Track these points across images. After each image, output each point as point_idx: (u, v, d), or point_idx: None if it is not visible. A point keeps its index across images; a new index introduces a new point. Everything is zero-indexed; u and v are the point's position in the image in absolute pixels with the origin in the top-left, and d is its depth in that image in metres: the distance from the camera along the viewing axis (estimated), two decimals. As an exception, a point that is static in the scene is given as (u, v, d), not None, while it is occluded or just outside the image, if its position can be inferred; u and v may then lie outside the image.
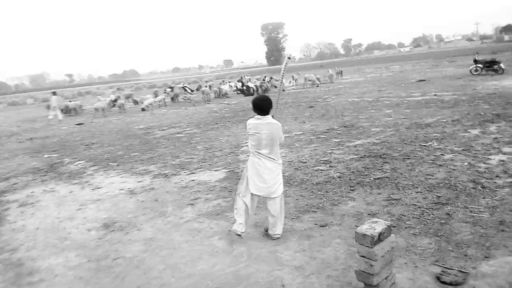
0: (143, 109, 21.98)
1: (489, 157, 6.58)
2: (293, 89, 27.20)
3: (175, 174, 7.68)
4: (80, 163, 9.70)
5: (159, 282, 3.81)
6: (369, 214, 4.80)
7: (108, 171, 8.54)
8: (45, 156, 11.18)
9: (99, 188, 7.33)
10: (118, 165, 9.05)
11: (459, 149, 7.24)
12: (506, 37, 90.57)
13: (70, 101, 27.13)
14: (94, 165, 9.28)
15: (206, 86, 26.30)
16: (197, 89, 29.72)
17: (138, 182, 7.43)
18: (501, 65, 20.85)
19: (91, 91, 58.57)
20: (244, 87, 25.97)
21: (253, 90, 24.90)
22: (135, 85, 67.60)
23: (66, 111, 24.98)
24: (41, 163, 10.20)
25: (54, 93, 22.53)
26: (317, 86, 26.45)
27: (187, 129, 13.30)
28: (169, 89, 34.68)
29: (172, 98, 26.41)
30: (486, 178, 5.60)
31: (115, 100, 24.57)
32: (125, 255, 4.45)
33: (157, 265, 4.16)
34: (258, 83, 26.29)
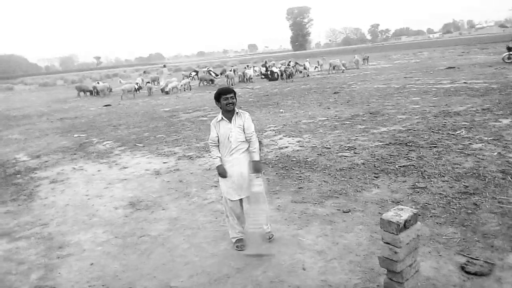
0: (166, 93, 22.18)
1: (520, 147, 6.36)
2: (318, 74, 26.86)
3: (199, 157, 7.78)
4: (107, 143, 9.94)
5: (183, 260, 3.92)
6: (393, 202, 4.76)
7: (135, 152, 8.73)
8: (75, 135, 11.51)
9: (125, 167, 7.52)
10: (144, 146, 9.23)
11: (489, 138, 7.02)
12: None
13: (98, 82, 27.62)
14: (121, 146, 9.50)
15: (230, 70, 26.29)
16: (221, 73, 29.76)
17: (164, 163, 7.57)
18: (538, 52, 19.93)
19: (118, 73, 59.48)
20: (269, 72, 25.83)
21: (277, 75, 24.74)
22: (160, 68, 68.21)
23: (95, 92, 25.56)
24: (70, 142, 10.51)
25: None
26: (342, 71, 26.02)
27: (211, 112, 13.38)
28: (193, 73, 34.87)
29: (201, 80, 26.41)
30: (517, 169, 5.43)
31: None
32: (151, 233, 4.58)
33: (181, 244, 4.26)
34: (282, 68, 26.08)
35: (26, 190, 6.67)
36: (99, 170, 7.52)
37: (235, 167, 3.95)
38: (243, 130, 3.96)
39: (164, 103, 18.07)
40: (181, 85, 23.36)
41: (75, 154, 9.12)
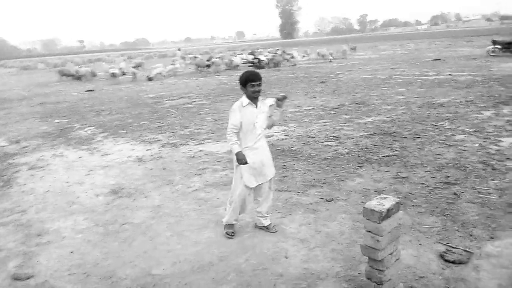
0: (151, 79, 21.79)
1: (500, 139, 6.47)
2: (305, 63, 26.81)
3: (184, 144, 7.70)
4: (89, 129, 9.76)
5: (166, 248, 3.88)
6: (376, 191, 4.79)
7: (117, 138, 8.59)
8: (56, 121, 11.26)
9: (108, 154, 7.39)
10: (127, 132, 9.09)
11: (471, 130, 7.12)
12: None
13: (80, 67, 27.04)
14: (103, 132, 9.34)
15: (217, 58, 26.03)
16: (208, 60, 29.46)
17: (147, 150, 7.47)
18: (521, 46, 20.25)
19: (102, 58, 58.33)
20: (256, 60, 25.65)
21: (265, 63, 24.60)
22: (145, 53, 67.08)
23: (77, 77, 25.01)
24: (51, 128, 10.29)
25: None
26: (330, 61, 26.03)
27: (196, 99, 13.25)
28: (181, 59, 34.37)
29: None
30: (497, 160, 5.53)
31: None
32: (133, 221, 4.52)
33: (164, 231, 4.22)
34: (270, 56, 25.93)
35: (4, 176, 6.51)
36: (80, 157, 7.38)
37: (258, 155, 3.81)
38: (268, 116, 3.89)
39: (148, 89, 17.81)
40: (166, 71, 23.03)
41: (55, 140, 8.93)
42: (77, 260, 3.77)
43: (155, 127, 9.49)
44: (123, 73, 24.18)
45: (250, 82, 3.69)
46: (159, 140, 8.18)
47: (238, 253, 3.69)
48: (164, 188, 5.47)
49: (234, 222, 4.08)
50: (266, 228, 4.09)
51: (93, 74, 25.58)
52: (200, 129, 8.94)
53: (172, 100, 13.77)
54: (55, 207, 5.09)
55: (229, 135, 3.78)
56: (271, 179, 3.98)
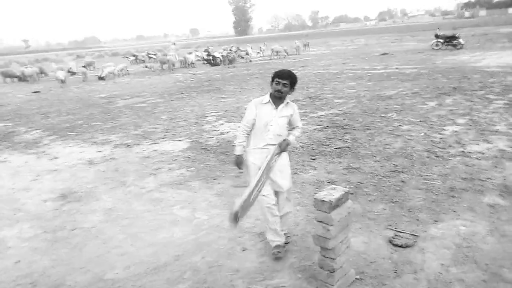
0: (101, 78, 21.01)
1: (444, 128, 6.85)
2: (260, 60, 26.96)
3: (137, 144, 7.52)
4: (36, 132, 9.28)
5: (119, 251, 3.78)
6: (328, 182, 4.92)
7: (67, 141, 8.23)
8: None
9: (56, 158, 7.07)
10: (77, 134, 8.73)
11: (417, 120, 7.48)
12: (467, 13, 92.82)
13: (26, 67, 25.57)
14: (51, 135, 8.91)
15: (171, 55, 25.57)
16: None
17: (98, 152, 7.22)
18: (460, 40, 21.50)
19: (49, 58, 55.50)
20: (211, 57, 25.47)
21: (220, 60, 24.50)
22: (96, 52, 64.60)
23: (22, 78, 23.65)
24: (-7, 133, 9.68)
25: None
26: (284, 57, 26.33)
27: (150, 98, 12.95)
28: (132, 57, 33.51)
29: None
30: (440, 148, 5.85)
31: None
32: (83, 226, 4.36)
33: (117, 234, 4.10)
34: (224, 53, 25.84)
35: None
36: (26, 161, 7.00)
37: (260, 160, 3.34)
38: (288, 123, 3.45)
39: (100, 89, 17.19)
40: (118, 70, 22.33)
41: (-1, 145, 8.42)
42: (24, 270, 3.59)
43: (107, 127, 9.19)
44: (73, 73, 23.16)
45: (276, 78, 3.34)
46: (111, 141, 7.93)
47: (194, 251, 3.66)
48: (117, 190, 5.31)
49: (276, 242, 3.46)
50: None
51: (45, 74, 24.29)
52: (154, 128, 8.76)
53: (125, 99, 13.37)
54: (-2, 216, 4.80)
55: (239, 132, 3.49)
56: (284, 192, 3.48)
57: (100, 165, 6.43)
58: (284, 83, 3.31)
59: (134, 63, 32.10)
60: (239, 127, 3.50)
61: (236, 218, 2.89)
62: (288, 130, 3.50)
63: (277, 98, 3.38)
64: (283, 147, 3.36)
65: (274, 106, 3.37)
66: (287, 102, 3.43)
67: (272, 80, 3.38)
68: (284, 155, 3.49)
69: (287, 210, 3.58)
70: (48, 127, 9.80)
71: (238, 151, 3.46)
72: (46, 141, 8.36)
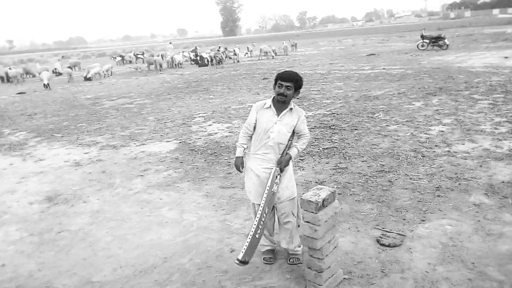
0: (88, 79, 20.73)
1: (430, 128, 6.95)
2: (248, 60, 26.96)
3: (124, 146, 7.45)
4: (21, 134, 9.13)
5: (106, 253, 3.74)
6: (316, 182, 4.95)
7: (52, 143, 8.12)
8: (-19, 127, 10.41)
9: (42, 160, 6.97)
10: (63, 136, 8.62)
11: (403, 120, 7.57)
12: (452, 14, 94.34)
13: (10, 68, 25.12)
14: (36, 136, 8.78)
15: (158, 55, 25.42)
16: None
17: (85, 153, 7.14)
18: (446, 41, 21.83)
19: (34, 58, 54.62)
20: (198, 57, 25.38)
21: (208, 60, 24.42)
22: (82, 53, 63.83)
23: (6, 79, 23.23)
24: (-24, 135, 9.49)
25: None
26: (272, 58, 26.38)
27: (137, 99, 12.85)
28: (119, 58, 33.21)
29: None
30: (426, 148, 5.93)
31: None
32: (70, 228, 4.31)
33: (104, 237, 4.06)
34: (212, 54, 25.77)
35: None
36: (11, 164, 6.89)
37: (258, 167, 3.19)
38: (292, 132, 3.17)
39: (86, 90, 16.99)
40: (104, 71, 22.09)
41: (-18, 147, 8.26)
42: (9, 274, 3.53)
43: (94, 129, 9.09)
44: (58, 74, 22.84)
45: (278, 81, 3.11)
46: (98, 142, 7.85)
47: (182, 253, 3.65)
48: (104, 192, 5.26)
49: (269, 246, 3.42)
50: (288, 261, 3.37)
51: (32, 74, 23.89)
52: (141, 129, 8.69)
53: (111, 100, 13.24)
54: (-18, 220, 4.71)
55: (240, 133, 3.33)
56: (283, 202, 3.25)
57: (87, 167, 6.36)
58: (287, 85, 3.07)
59: (121, 64, 31.83)
60: (240, 132, 3.38)
61: (245, 263, 3.00)
62: (294, 141, 3.24)
63: (280, 103, 3.13)
64: (283, 165, 3.13)
65: (276, 112, 3.14)
66: (292, 108, 3.16)
67: (275, 83, 3.15)
68: (290, 167, 3.30)
69: (288, 227, 3.29)
70: (33, 128, 9.65)
71: (238, 152, 3.33)
72: (31, 143, 8.23)
